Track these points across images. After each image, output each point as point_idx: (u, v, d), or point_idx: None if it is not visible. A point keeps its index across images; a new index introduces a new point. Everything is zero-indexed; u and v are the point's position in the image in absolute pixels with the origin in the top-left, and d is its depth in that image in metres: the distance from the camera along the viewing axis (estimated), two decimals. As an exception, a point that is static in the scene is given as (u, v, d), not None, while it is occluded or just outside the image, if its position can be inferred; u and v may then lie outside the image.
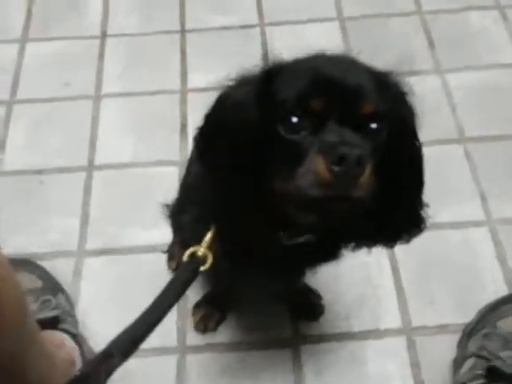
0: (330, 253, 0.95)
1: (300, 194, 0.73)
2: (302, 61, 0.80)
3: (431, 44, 1.70)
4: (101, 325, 1.23)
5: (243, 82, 0.81)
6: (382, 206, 0.79)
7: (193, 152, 1.08)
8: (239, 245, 0.88)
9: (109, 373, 0.77)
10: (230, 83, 0.81)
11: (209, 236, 0.87)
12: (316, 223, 0.81)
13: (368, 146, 0.73)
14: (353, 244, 0.91)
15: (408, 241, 0.89)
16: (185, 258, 0.87)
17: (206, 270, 0.88)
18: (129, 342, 0.79)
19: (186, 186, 1.15)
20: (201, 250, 0.87)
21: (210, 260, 0.87)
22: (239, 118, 0.79)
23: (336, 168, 0.69)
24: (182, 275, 0.86)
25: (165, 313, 0.82)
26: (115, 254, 1.35)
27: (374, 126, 0.75)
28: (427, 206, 0.87)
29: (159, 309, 0.82)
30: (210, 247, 0.87)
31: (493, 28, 1.73)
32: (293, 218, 0.80)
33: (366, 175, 0.70)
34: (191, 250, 0.87)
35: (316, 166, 0.70)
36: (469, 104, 1.57)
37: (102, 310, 1.27)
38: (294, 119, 0.74)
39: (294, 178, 0.73)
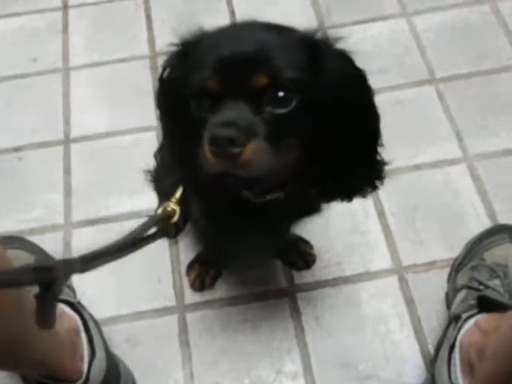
0: (303, 208, 0.97)
1: (205, 168, 0.76)
2: (212, 34, 0.81)
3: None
4: (97, 293, 1.24)
5: (176, 53, 0.83)
6: (338, 164, 0.82)
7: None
8: (211, 204, 0.92)
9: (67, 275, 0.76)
10: (172, 51, 0.83)
11: (179, 193, 0.89)
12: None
13: (269, 119, 0.74)
14: (318, 200, 0.95)
15: (365, 195, 0.89)
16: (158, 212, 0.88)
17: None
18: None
19: (164, 151, 1.15)
20: (170, 205, 0.88)
21: (177, 214, 0.88)
22: (169, 89, 0.83)
23: (213, 149, 0.72)
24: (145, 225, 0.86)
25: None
26: (102, 224, 1.35)
27: (280, 94, 0.74)
28: (385, 162, 0.87)
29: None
30: (179, 203, 0.88)
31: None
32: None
33: (250, 152, 0.71)
34: (162, 205, 0.88)
35: (204, 147, 0.74)
36: (438, 45, 1.58)
37: (95, 280, 1.26)
38: (199, 99, 0.77)
39: (199, 153, 0.76)
